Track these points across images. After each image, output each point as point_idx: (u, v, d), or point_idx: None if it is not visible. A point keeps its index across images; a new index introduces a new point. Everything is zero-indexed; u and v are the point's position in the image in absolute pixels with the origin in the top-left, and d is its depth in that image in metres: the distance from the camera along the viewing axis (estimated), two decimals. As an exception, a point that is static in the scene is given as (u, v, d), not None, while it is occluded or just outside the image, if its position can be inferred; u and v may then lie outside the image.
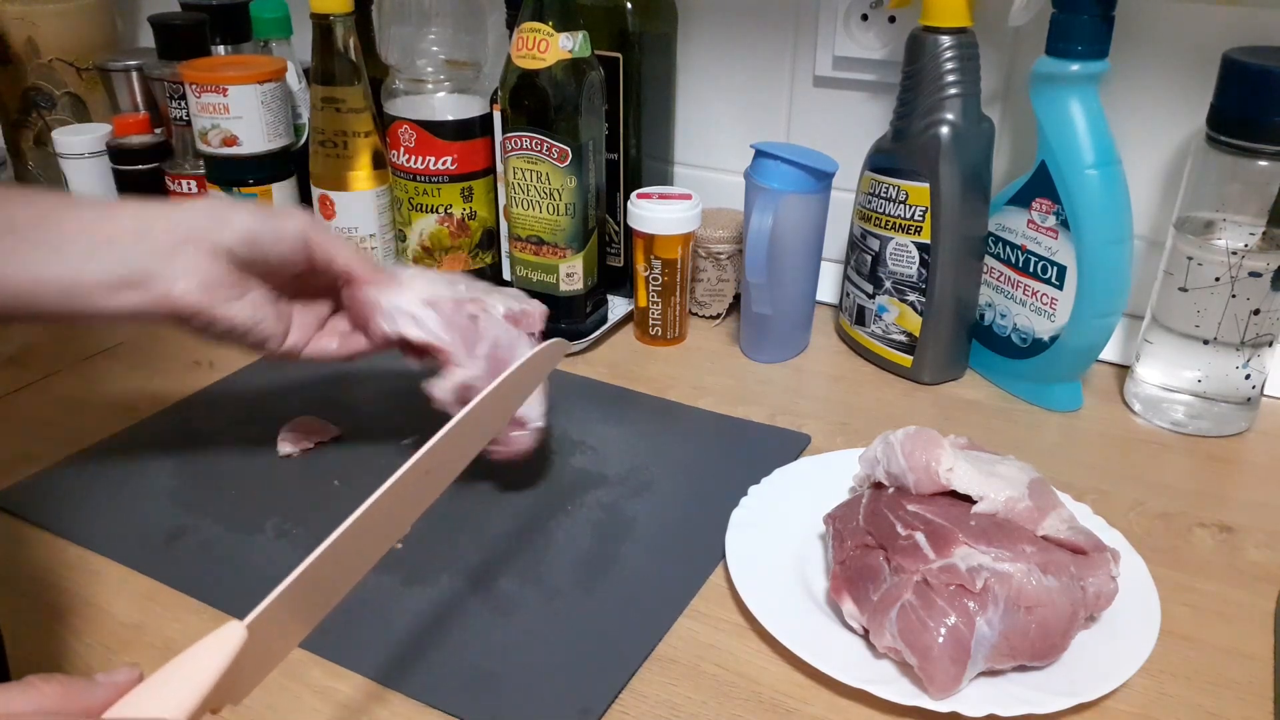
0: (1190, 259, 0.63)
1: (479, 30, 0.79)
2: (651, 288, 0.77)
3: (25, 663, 0.44)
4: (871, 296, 0.74)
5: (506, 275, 0.83)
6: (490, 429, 0.49)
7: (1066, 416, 0.70)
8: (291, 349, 0.56)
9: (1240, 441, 0.67)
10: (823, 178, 0.71)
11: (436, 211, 0.80)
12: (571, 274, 0.75)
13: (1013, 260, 0.70)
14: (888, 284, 0.73)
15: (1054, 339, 0.68)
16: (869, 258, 0.73)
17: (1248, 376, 0.65)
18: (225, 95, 0.81)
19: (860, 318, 0.76)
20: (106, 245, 0.49)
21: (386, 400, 0.69)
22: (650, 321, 0.79)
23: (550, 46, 0.68)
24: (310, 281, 0.56)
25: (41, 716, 0.29)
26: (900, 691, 0.45)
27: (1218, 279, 0.62)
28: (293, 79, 0.90)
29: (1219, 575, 0.54)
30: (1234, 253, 0.61)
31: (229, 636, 0.31)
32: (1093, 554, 0.48)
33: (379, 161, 0.83)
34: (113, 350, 0.78)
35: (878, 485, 0.53)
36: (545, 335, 0.76)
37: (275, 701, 0.46)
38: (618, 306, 0.82)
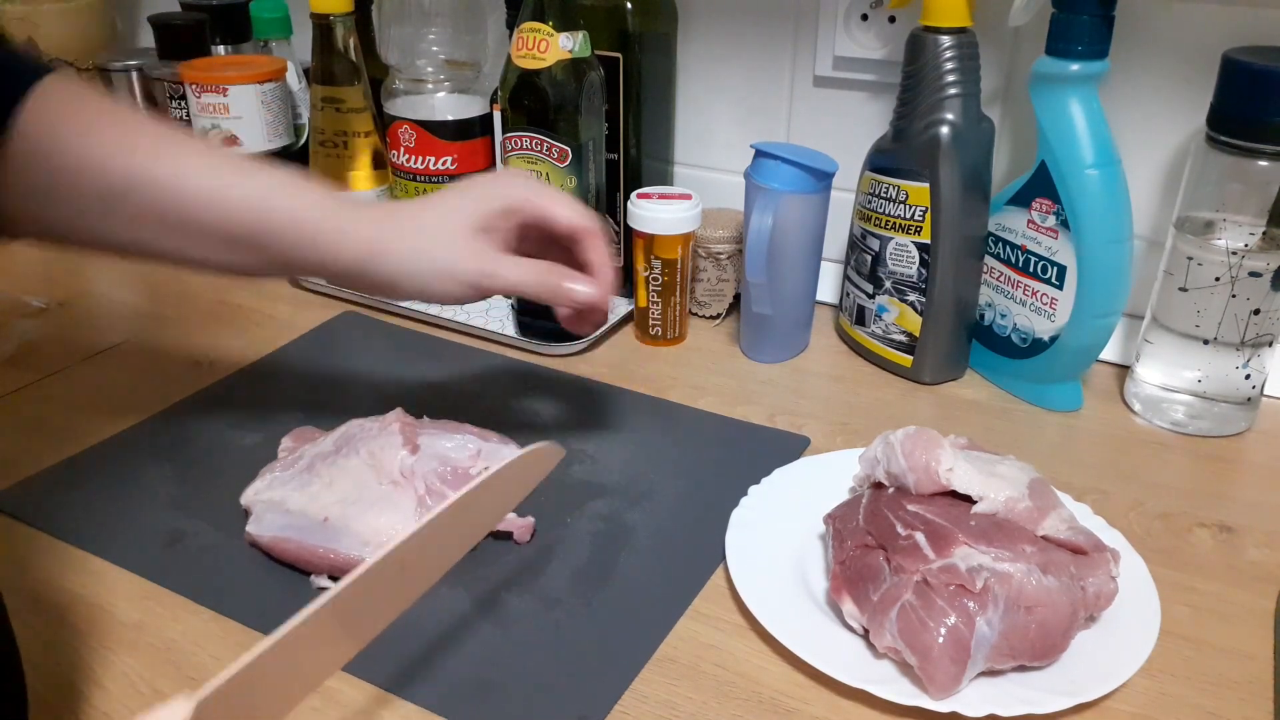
0: (1190, 259, 0.63)
1: (479, 30, 0.79)
2: (651, 288, 0.77)
3: (25, 664, 0.44)
4: (871, 296, 0.74)
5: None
6: (469, 538, 0.45)
7: (1066, 416, 0.70)
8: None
9: (1240, 441, 0.67)
10: (823, 178, 0.71)
11: (436, 211, 0.80)
12: (571, 274, 0.75)
13: (1013, 260, 0.70)
14: (888, 284, 0.73)
15: (1054, 339, 0.68)
16: (869, 258, 0.73)
17: (1248, 376, 0.65)
18: (225, 95, 0.81)
19: (860, 318, 0.76)
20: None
21: (385, 406, 0.69)
22: (650, 321, 0.78)
23: (550, 46, 0.68)
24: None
25: None
26: (900, 691, 0.45)
27: (1218, 279, 0.62)
28: (293, 79, 0.90)
29: (1219, 575, 0.54)
30: (1234, 253, 0.61)
31: (174, 714, 0.30)
32: (1093, 554, 0.48)
33: (379, 161, 0.83)
34: (113, 350, 0.78)
35: (878, 485, 0.53)
36: (547, 335, 0.77)
37: (275, 702, 0.46)
38: (618, 306, 0.82)
